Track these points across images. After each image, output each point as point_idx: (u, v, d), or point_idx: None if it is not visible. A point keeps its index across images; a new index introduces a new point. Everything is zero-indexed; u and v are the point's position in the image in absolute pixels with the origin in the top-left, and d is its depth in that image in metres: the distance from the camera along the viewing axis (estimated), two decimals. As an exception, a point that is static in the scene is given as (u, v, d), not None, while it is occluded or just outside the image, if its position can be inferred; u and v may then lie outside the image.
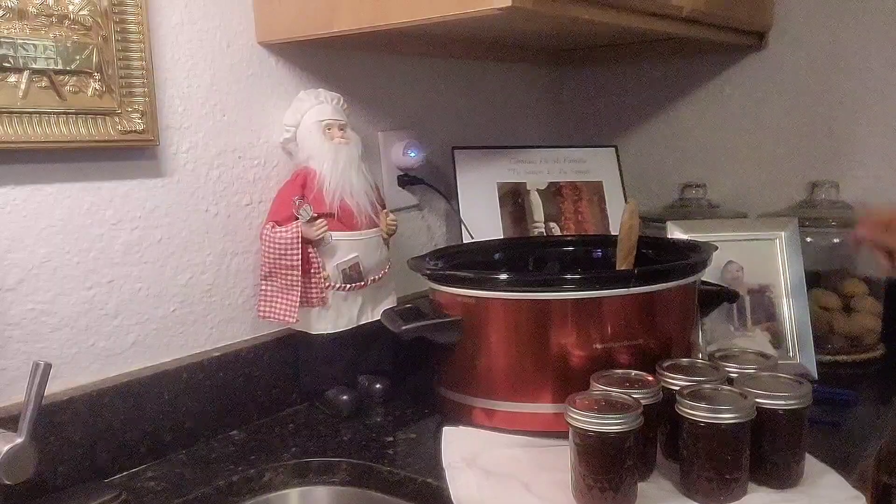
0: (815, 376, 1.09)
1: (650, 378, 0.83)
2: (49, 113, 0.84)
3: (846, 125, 1.38)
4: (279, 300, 1.03)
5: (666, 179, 1.54)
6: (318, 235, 1.02)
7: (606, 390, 0.80)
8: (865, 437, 0.93)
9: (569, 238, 1.32)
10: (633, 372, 0.85)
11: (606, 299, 0.90)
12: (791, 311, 1.12)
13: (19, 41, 0.81)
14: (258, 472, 0.91)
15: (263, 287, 1.04)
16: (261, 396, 1.06)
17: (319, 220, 1.02)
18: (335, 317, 1.06)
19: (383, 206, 1.11)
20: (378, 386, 1.09)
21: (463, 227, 1.31)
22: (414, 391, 1.11)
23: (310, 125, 1.06)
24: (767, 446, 0.77)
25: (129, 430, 0.92)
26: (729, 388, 0.80)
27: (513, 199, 1.38)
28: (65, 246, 0.88)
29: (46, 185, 0.87)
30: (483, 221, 1.33)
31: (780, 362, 1.04)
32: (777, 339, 1.11)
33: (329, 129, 1.06)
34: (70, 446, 0.86)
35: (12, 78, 0.81)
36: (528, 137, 1.59)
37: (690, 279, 0.97)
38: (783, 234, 1.16)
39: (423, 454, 0.92)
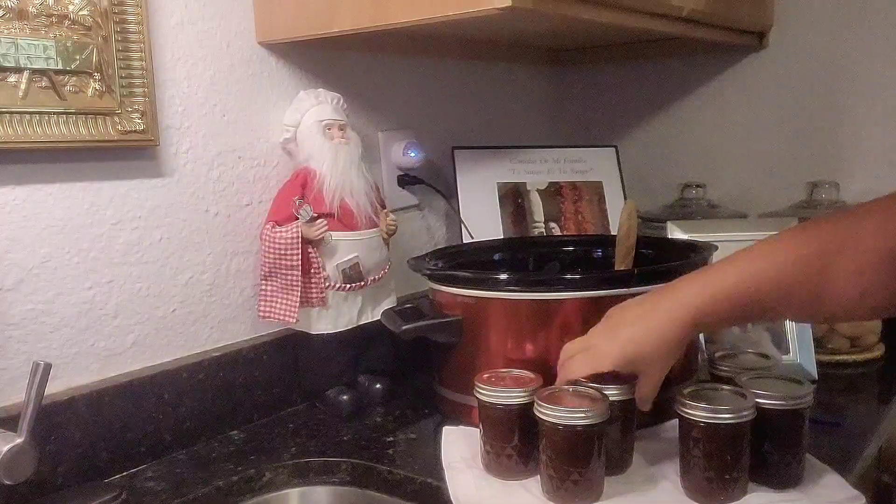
0: (815, 376, 1.09)
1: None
2: (49, 113, 0.84)
3: (846, 125, 1.38)
4: (279, 300, 1.03)
5: (666, 179, 1.54)
6: (318, 235, 1.02)
7: (576, 384, 0.81)
8: (865, 437, 0.93)
9: (569, 238, 1.32)
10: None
11: (606, 299, 0.90)
12: (791, 311, 1.12)
13: (19, 41, 0.81)
14: (258, 472, 0.91)
15: (263, 287, 1.04)
16: (261, 396, 1.06)
17: (319, 220, 1.02)
18: (335, 317, 1.06)
19: (383, 206, 1.11)
20: (378, 386, 1.09)
21: (463, 227, 1.31)
22: (414, 391, 1.11)
23: (310, 125, 1.06)
24: (767, 446, 0.77)
25: (129, 430, 0.92)
26: (729, 388, 0.80)
27: (513, 199, 1.38)
28: (65, 246, 0.88)
29: (46, 185, 0.87)
30: (483, 221, 1.33)
31: (780, 362, 1.04)
32: (777, 339, 1.11)
33: (329, 129, 1.06)
34: (70, 446, 0.86)
35: (12, 78, 0.81)
36: (528, 137, 1.59)
37: (690, 279, 0.97)
38: (783, 234, 1.15)
39: (423, 454, 0.92)
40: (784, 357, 1.09)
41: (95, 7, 0.87)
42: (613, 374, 0.79)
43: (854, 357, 1.19)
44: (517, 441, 0.81)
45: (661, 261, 1.06)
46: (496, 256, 1.20)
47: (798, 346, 1.10)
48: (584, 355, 0.80)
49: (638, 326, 0.78)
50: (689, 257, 1.00)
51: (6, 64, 0.80)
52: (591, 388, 0.79)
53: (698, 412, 0.75)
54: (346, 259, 1.05)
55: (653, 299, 0.80)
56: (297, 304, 1.02)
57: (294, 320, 1.03)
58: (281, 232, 1.01)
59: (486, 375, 0.85)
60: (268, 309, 1.03)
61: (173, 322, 0.99)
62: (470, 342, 0.95)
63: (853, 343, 1.20)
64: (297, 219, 1.01)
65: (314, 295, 1.03)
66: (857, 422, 0.97)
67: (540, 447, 0.77)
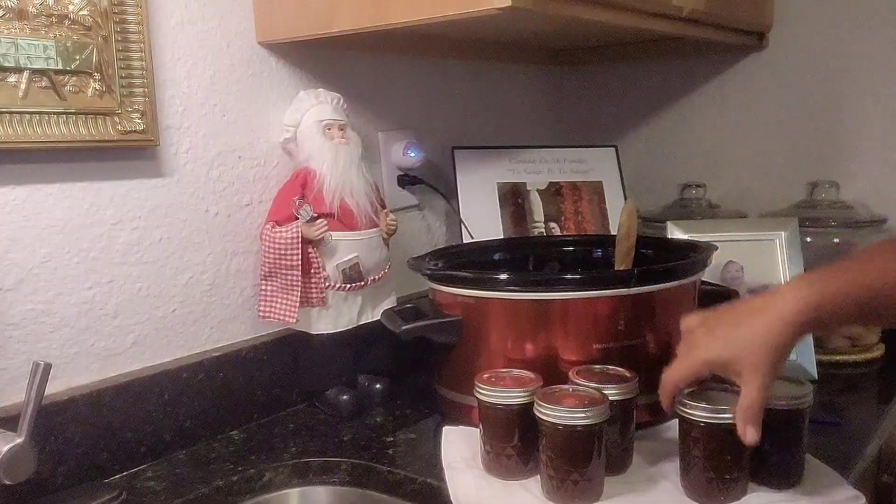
0: (815, 376, 1.09)
1: (627, 374, 0.84)
2: (49, 113, 0.84)
3: (846, 125, 1.38)
4: (279, 300, 1.03)
5: (666, 179, 1.54)
6: (318, 235, 1.02)
7: (576, 384, 0.81)
8: (865, 437, 0.93)
9: (569, 238, 1.32)
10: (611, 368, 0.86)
11: (606, 299, 0.90)
12: (791, 311, 1.12)
13: (19, 41, 0.81)
14: (258, 472, 0.91)
15: (263, 287, 1.04)
16: (261, 396, 1.06)
17: (319, 220, 1.02)
18: (335, 317, 1.06)
19: (383, 206, 1.11)
20: (378, 386, 1.09)
21: (463, 227, 1.31)
22: (414, 391, 1.11)
23: (310, 125, 1.06)
24: (767, 446, 0.77)
25: (129, 430, 0.92)
26: (729, 388, 0.80)
27: (513, 199, 1.38)
28: (65, 246, 0.88)
29: (46, 185, 0.87)
30: (483, 221, 1.33)
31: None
32: (777, 339, 1.11)
33: (329, 129, 1.06)
34: (70, 446, 0.86)
35: (12, 78, 0.81)
36: (528, 137, 1.59)
37: (690, 279, 0.97)
38: (783, 234, 1.16)
39: (423, 454, 0.92)
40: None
41: (95, 7, 0.87)
42: (715, 378, 0.77)
43: (854, 357, 1.19)
44: (517, 441, 0.81)
45: (661, 261, 1.06)
46: (496, 256, 1.20)
47: (798, 346, 1.10)
48: (680, 357, 0.78)
49: (736, 326, 0.74)
50: (689, 257, 1.00)
51: (6, 64, 0.81)
52: (590, 387, 0.80)
53: (698, 412, 0.75)
54: (346, 259, 1.05)
55: (760, 299, 0.76)
56: (297, 304, 1.02)
57: (294, 320, 1.03)
58: (281, 232, 1.01)
59: (486, 375, 0.85)
60: (268, 309, 1.03)
61: (173, 322, 0.99)
62: (470, 342, 0.95)
63: (853, 343, 1.20)
64: (297, 219, 1.01)
65: (314, 295, 1.03)
66: (857, 422, 0.97)
67: (540, 447, 0.77)
